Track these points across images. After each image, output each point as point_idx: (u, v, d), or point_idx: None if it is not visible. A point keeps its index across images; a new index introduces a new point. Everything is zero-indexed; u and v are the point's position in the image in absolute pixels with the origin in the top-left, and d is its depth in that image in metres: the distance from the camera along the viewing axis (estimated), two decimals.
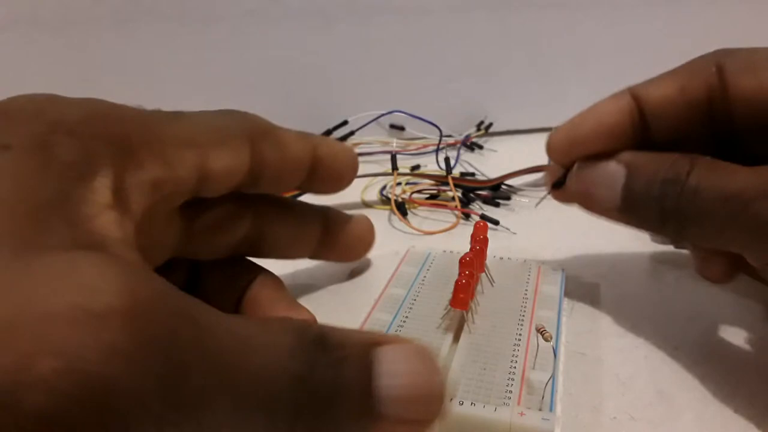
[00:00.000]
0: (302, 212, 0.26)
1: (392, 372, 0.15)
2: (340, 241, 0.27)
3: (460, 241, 0.26)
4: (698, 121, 0.23)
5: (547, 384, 0.19)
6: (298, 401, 0.14)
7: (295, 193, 0.32)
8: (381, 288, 0.26)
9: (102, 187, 0.16)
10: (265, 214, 0.24)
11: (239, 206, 0.24)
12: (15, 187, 0.14)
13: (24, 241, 0.13)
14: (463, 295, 0.22)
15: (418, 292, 0.25)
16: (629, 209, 0.23)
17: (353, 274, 0.30)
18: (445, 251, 0.28)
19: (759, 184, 0.20)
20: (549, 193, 0.26)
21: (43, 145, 0.16)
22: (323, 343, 0.15)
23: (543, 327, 0.22)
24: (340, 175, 0.25)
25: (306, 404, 0.14)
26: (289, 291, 0.25)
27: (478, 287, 0.25)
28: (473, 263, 0.23)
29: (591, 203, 0.24)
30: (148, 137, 0.18)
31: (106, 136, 0.17)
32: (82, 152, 0.16)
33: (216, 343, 0.13)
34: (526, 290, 0.25)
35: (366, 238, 0.28)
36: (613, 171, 0.23)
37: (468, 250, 0.24)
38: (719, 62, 0.22)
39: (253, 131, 0.21)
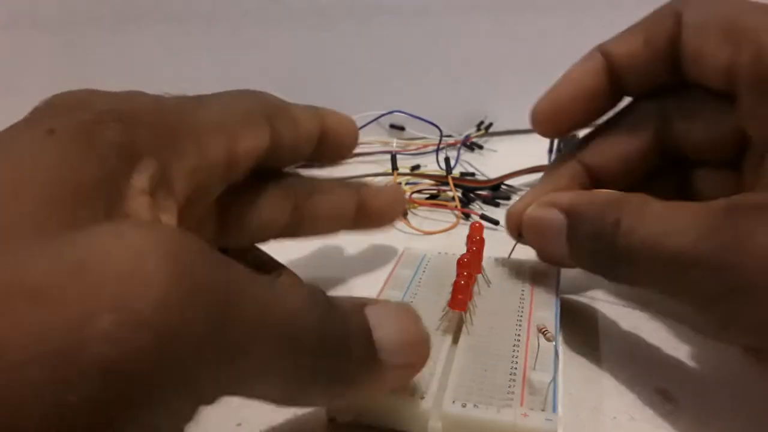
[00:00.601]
0: (337, 192, 0.26)
1: (383, 325, 0.17)
2: (373, 213, 0.27)
3: (460, 241, 0.26)
4: (668, 71, 0.23)
5: (549, 384, 0.19)
6: (318, 347, 0.15)
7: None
8: (377, 290, 0.26)
9: (146, 173, 0.17)
10: (304, 201, 0.24)
11: (280, 197, 0.24)
12: (55, 169, 0.15)
13: (66, 221, 0.14)
14: (461, 296, 0.22)
15: (415, 294, 0.25)
16: (577, 262, 0.23)
17: (351, 275, 0.30)
18: (440, 253, 0.28)
19: (695, 245, 0.19)
20: (517, 243, 0.26)
21: (88, 131, 0.16)
22: (329, 302, 0.16)
23: (545, 327, 0.22)
24: (345, 145, 0.26)
25: (324, 349, 0.16)
26: None
27: (475, 288, 0.25)
28: (471, 264, 0.23)
29: (547, 258, 0.25)
30: (185, 125, 0.19)
31: (152, 125, 0.17)
32: (130, 137, 0.16)
33: (251, 296, 0.14)
34: (523, 290, 0.25)
35: (397, 205, 0.28)
36: (556, 222, 0.23)
37: (465, 251, 0.24)
38: (678, 11, 0.22)
39: (269, 110, 0.22)
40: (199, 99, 0.20)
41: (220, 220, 0.22)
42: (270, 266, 0.25)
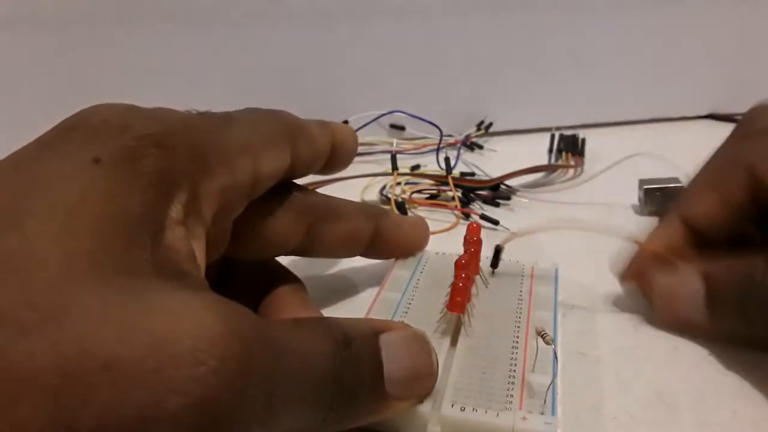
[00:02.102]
0: (355, 219, 0.26)
1: (395, 358, 0.18)
2: (390, 244, 0.27)
3: (460, 241, 0.26)
4: (750, 218, 0.23)
5: (548, 388, 0.19)
6: (333, 395, 0.16)
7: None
8: (376, 290, 0.25)
9: (182, 200, 0.17)
10: (318, 225, 0.24)
11: (294, 218, 0.24)
12: (106, 202, 0.15)
13: (121, 262, 0.14)
14: (459, 298, 0.22)
15: (413, 295, 0.25)
16: (716, 319, 0.24)
17: (350, 274, 0.30)
18: (437, 253, 0.28)
19: None
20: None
21: (131, 158, 0.16)
22: (346, 340, 0.17)
23: (543, 330, 0.22)
24: (348, 159, 0.26)
25: (337, 396, 0.16)
26: (309, 297, 0.25)
27: (473, 290, 0.24)
28: (469, 265, 0.23)
29: (677, 319, 0.25)
30: (214, 145, 0.19)
31: (184, 147, 0.17)
32: (167, 163, 0.17)
33: (288, 359, 0.15)
34: (521, 291, 0.25)
35: (418, 239, 0.28)
36: (693, 288, 0.24)
37: (463, 252, 0.24)
38: (749, 163, 0.22)
39: (290, 130, 0.22)
40: (225, 118, 0.20)
41: (233, 234, 0.22)
42: (277, 274, 0.25)
